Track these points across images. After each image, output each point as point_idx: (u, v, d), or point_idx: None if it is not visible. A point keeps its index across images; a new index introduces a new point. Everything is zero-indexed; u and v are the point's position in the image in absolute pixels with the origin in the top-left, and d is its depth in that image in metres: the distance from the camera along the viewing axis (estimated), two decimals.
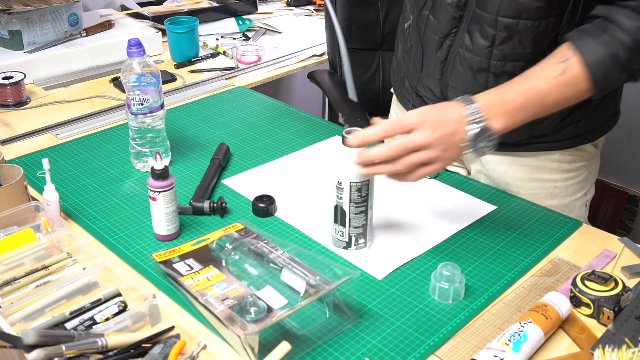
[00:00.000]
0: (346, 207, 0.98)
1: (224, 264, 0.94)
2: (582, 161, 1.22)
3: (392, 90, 1.43)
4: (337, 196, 0.98)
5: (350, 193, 0.96)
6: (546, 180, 1.21)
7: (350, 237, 1.00)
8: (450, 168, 1.31)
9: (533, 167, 1.20)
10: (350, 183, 0.95)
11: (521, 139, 1.16)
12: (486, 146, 0.94)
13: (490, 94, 0.96)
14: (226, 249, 0.95)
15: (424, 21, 1.14)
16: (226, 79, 1.73)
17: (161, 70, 1.72)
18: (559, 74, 0.95)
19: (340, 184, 0.96)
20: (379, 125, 0.92)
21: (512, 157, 1.20)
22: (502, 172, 1.22)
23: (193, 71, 1.78)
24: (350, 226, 0.99)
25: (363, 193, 0.97)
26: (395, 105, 1.41)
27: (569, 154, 1.19)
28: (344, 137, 0.95)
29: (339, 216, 0.99)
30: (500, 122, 0.94)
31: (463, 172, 1.30)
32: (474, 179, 1.25)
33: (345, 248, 1.02)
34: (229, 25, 2.10)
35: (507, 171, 1.21)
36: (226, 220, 1.10)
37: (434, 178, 1.23)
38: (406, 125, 0.92)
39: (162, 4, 2.20)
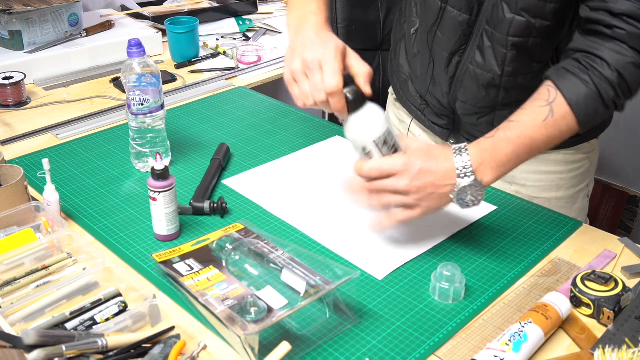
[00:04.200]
0: None
1: (224, 264, 0.94)
2: (585, 152, 1.23)
3: (389, 90, 1.43)
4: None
5: (380, 150, 0.95)
6: (551, 172, 1.22)
7: None
8: None
9: (538, 160, 1.21)
10: (374, 142, 0.94)
11: None
12: (471, 200, 0.94)
13: (480, 145, 0.94)
14: (226, 249, 0.95)
15: (432, 37, 1.14)
16: (226, 79, 1.73)
17: (161, 70, 1.72)
18: (546, 117, 0.94)
19: (365, 149, 0.95)
20: (365, 165, 0.94)
21: None
22: None
23: (193, 71, 1.78)
24: None
25: (390, 142, 0.95)
26: (393, 106, 1.41)
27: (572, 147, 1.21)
28: (347, 98, 0.94)
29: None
30: (489, 175, 0.94)
31: None
32: None
33: None
34: (229, 25, 2.10)
35: None
36: (226, 220, 1.10)
37: None
38: (389, 170, 0.93)
39: (162, 4, 2.20)
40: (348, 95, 0.94)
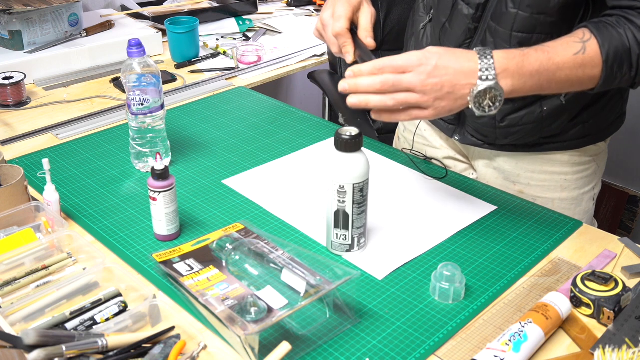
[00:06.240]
0: (349, 210, 0.97)
1: (224, 264, 0.94)
2: (591, 155, 1.23)
3: None
4: (339, 200, 0.97)
5: (353, 195, 0.96)
6: (556, 173, 1.22)
7: (353, 239, 1.00)
8: (455, 166, 1.31)
9: (543, 160, 1.21)
10: (353, 185, 0.95)
11: (530, 141, 1.17)
12: (488, 105, 0.90)
13: (509, 53, 0.92)
14: (226, 249, 0.95)
15: (443, 31, 1.15)
16: (226, 79, 1.73)
17: (161, 70, 1.72)
18: (577, 52, 0.92)
19: (342, 187, 0.95)
20: (374, 62, 0.90)
21: (522, 154, 1.21)
22: (513, 164, 1.22)
23: (193, 71, 1.78)
24: (353, 228, 0.99)
25: (364, 192, 0.97)
26: None
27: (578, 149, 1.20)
28: (338, 138, 0.94)
29: (341, 220, 0.98)
30: (509, 83, 0.90)
31: (469, 173, 1.30)
32: (476, 180, 1.25)
33: (348, 250, 1.01)
34: (229, 25, 2.10)
35: (517, 163, 1.22)
36: (226, 220, 1.11)
37: (440, 179, 1.23)
38: (402, 65, 0.89)
39: (162, 4, 2.20)
40: (346, 135, 0.94)
